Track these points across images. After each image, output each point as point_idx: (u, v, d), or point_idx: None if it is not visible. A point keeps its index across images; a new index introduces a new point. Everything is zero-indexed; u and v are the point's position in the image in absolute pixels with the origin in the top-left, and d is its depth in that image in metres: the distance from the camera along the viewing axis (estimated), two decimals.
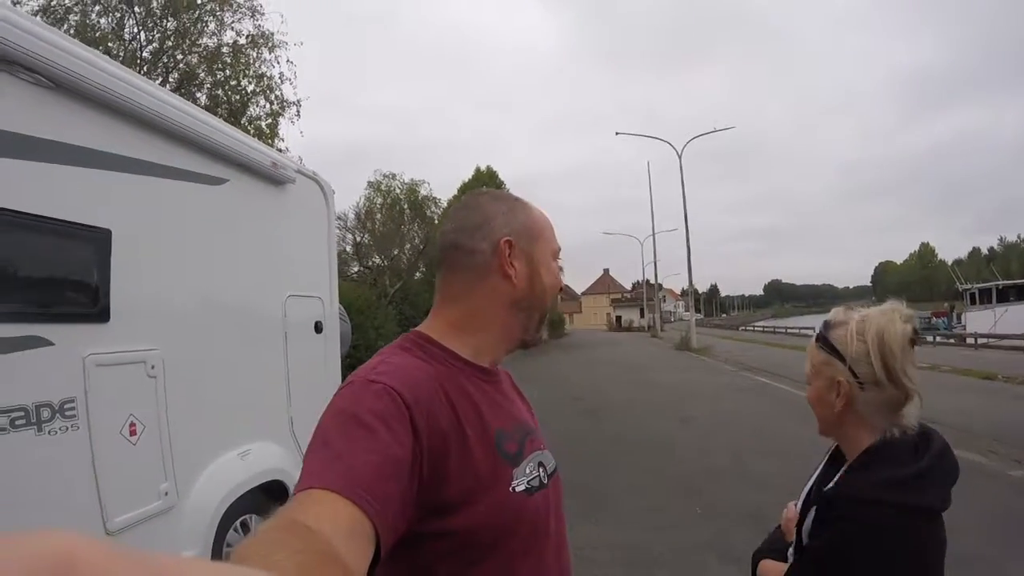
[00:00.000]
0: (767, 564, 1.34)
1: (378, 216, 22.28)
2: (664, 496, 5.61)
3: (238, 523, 3.09)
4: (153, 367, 2.59)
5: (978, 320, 24.25)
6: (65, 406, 2.17)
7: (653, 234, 44.63)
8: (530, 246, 1.01)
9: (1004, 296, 24.99)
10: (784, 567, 1.22)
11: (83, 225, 2.30)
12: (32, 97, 2.10)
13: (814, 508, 1.14)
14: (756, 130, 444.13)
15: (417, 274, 21.87)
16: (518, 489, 0.90)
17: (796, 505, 1.32)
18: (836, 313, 1.23)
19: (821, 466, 1.34)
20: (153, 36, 11.26)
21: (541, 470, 0.97)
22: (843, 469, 1.18)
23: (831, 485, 1.16)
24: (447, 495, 0.82)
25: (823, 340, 1.20)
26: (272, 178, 3.53)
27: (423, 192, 23.00)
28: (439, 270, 1.03)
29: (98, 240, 2.36)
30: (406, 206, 22.56)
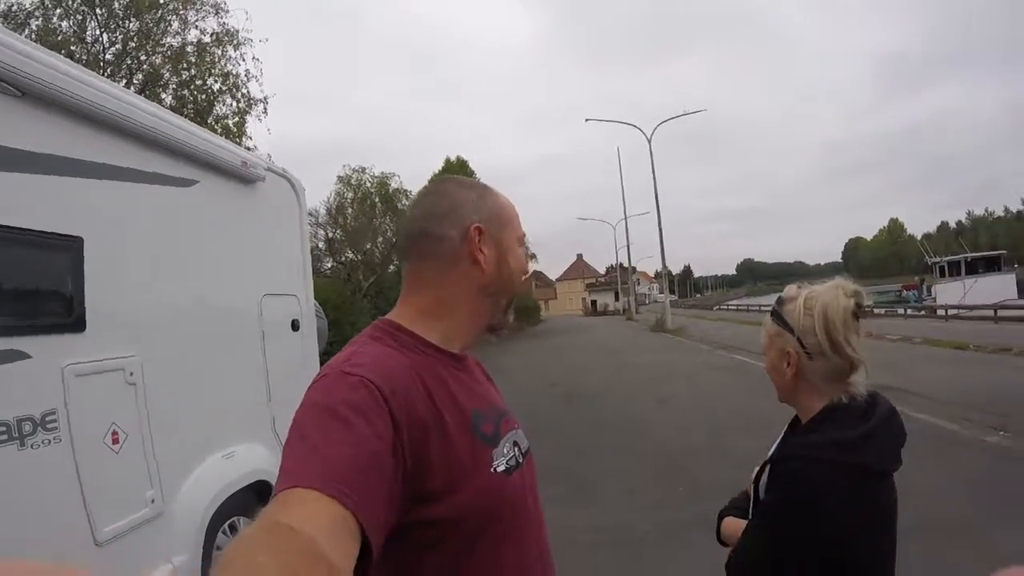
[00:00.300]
0: (729, 521, 1.42)
1: (349, 211, 22.05)
2: (645, 476, 5.69)
3: (227, 525, 3.09)
4: (132, 374, 2.56)
5: (948, 292, 24.87)
6: (47, 419, 2.14)
7: (625, 218, 45.05)
8: (499, 232, 1.02)
9: (973, 268, 25.70)
10: (744, 523, 1.31)
11: (55, 234, 2.26)
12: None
13: (768, 467, 1.22)
14: (731, 115, 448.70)
15: (391, 267, 21.72)
16: (498, 470, 0.92)
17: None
18: (789, 290, 1.32)
19: (783, 433, 1.41)
20: (116, 38, 10.98)
21: (516, 449, 0.99)
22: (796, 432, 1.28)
23: (782, 445, 1.27)
24: (431, 484, 0.82)
25: (776, 314, 1.29)
26: (242, 177, 3.50)
27: (394, 185, 22.81)
28: (407, 257, 1.02)
29: (71, 249, 2.32)
30: (377, 199, 22.34)
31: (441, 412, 0.87)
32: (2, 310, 2.10)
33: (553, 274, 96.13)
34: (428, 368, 0.91)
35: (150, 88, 10.87)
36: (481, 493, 0.87)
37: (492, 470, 0.91)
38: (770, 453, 1.35)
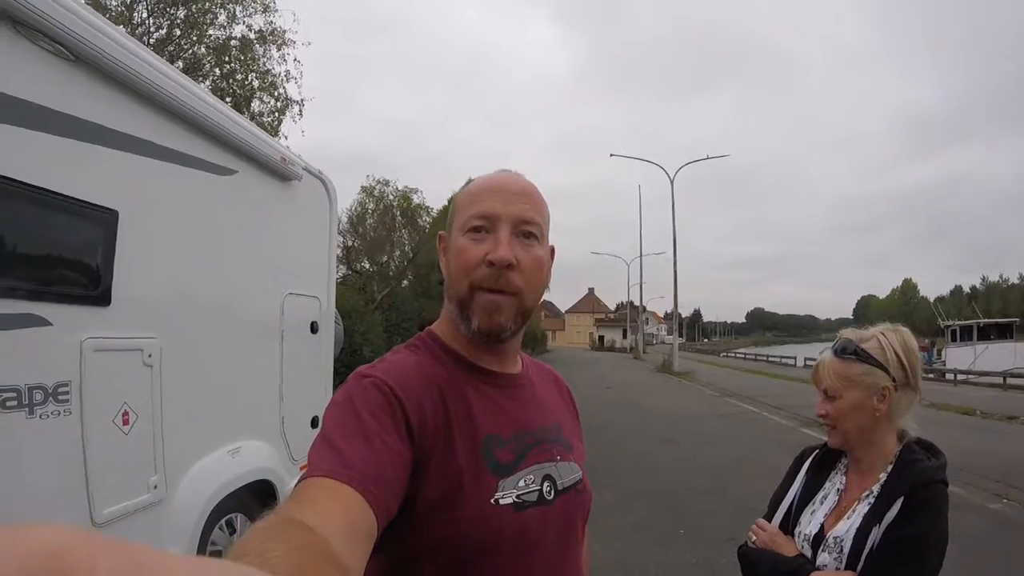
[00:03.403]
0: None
1: (369, 221, 22.21)
2: (648, 515, 5.62)
3: (223, 522, 3.01)
4: (150, 356, 2.51)
5: (958, 356, 24.56)
6: (59, 390, 2.09)
7: (640, 256, 44.94)
8: (450, 232, 0.96)
9: (985, 334, 25.41)
10: (844, 573, 1.26)
11: (91, 204, 2.23)
12: (50, 67, 2.04)
13: (901, 499, 1.23)
14: (752, 161, 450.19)
15: (404, 282, 21.77)
16: (503, 502, 0.85)
17: (768, 521, 1.46)
18: (851, 334, 1.38)
19: (801, 477, 1.47)
20: (162, 23, 11.19)
21: (546, 484, 0.91)
22: (892, 463, 1.31)
23: (904, 474, 1.28)
24: (426, 494, 0.81)
25: (860, 353, 1.32)
26: (280, 173, 3.49)
27: (416, 200, 22.96)
28: None
29: (105, 221, 2.30)
30: (398, 213, 22.50)
31: (451, 424, 0.86)
32: (27, 274, 2.06)
33: (563, 305, 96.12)
34: (451, 380, 0.90)
35: (190, 76, 10.98)
36: (470, 521, 0.82)
37: (492, 501, 0.85)
38: (791, 497, 1.44)
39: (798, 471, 1.51)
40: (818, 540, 1.32)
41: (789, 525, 1.43)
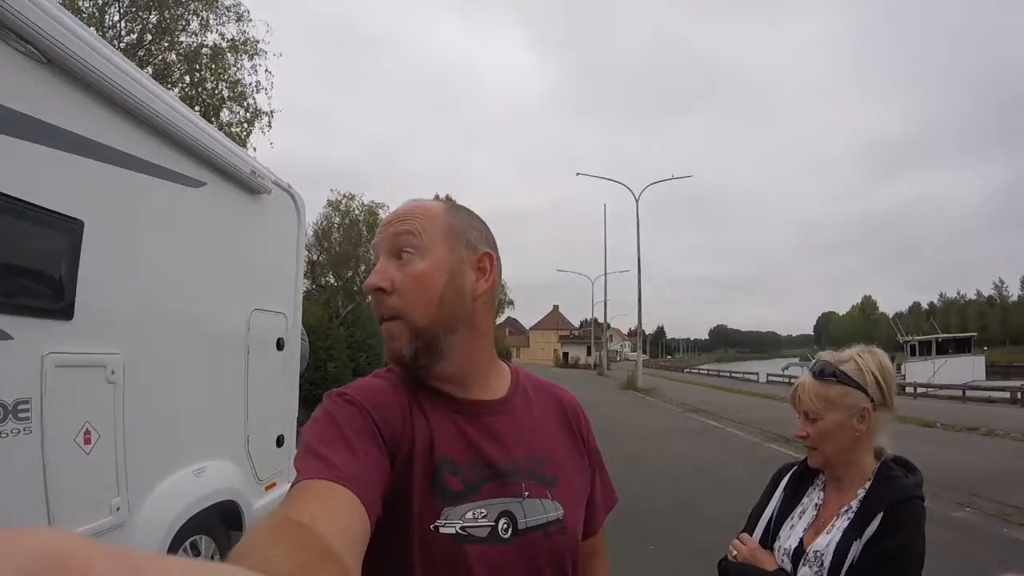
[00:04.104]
0: None
1: (335, 235, 21.93)
2: (615, 531, 5.60)
3: (188, 544, 2.91)
4: (113, 372, 2.43)
5: (917, 371, 25.25)
6: (19, 407, 2.00)
7: (605, 274, 45.32)
8: None
9: (943, 349, 26.23)
10: None
11: (56, 213, 2.15)
12: (19, 68, 1.98)
13: (880, 515, 1.26)
14: (717, 182, 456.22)
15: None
16: (443, 530, 0.82)
17: (746, 536, 1.48)
18: (828, 355, 1.42)
19: (780, 493, 1.50)
20: (134, 28, 10.93)
21: (503, 520, 0.85)
22: (870, 480, 1.34)
23: (881, 491, 1.31)
24: (383, 508, 0.79)
25: (839, 375, 1.35)
26: (249, 186, 3.44)
27: (382, 215, 22.79)
28: None
29: (70, 231, 2.22)
30: (364, 228, 22.27)
31: (414, 446, 0.85)
32: None
33: (528, 322, 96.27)
34: (417, 404, 0.89)
35: (159, 82, 10.75)
36: (412, 546, 0.81)
37: (432, 527, 0.82)
38: (769, 513, 1.48)
39: (776, 487, 1.53)
40: (798, 554, 1.35)
41: (768, 539, 1.45)
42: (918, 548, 1.25)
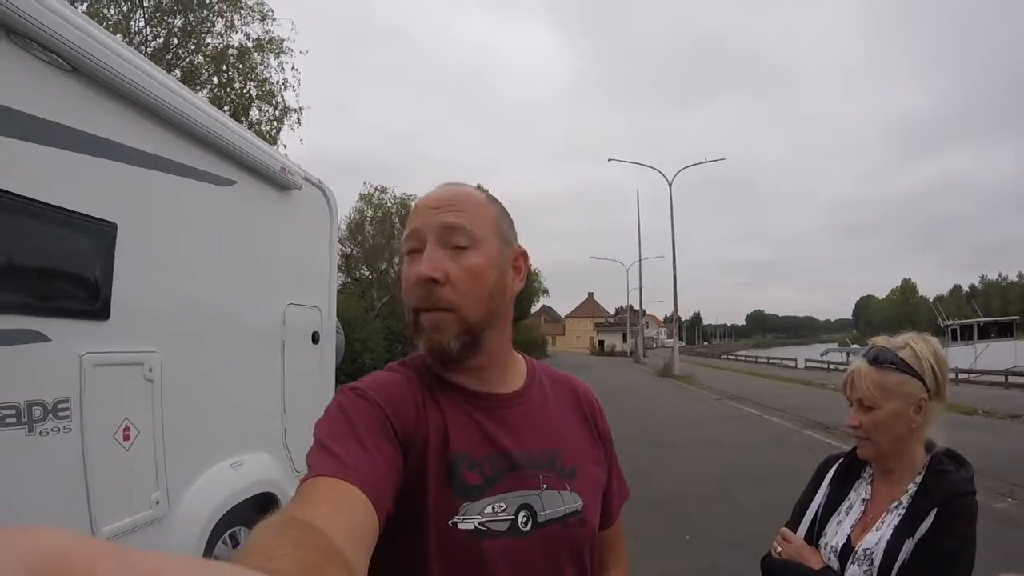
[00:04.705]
0: None
1: (368, 229, 22.22)
2: (650, 522, 5.58)
3: (227, 535, 2.97)
4: (151, 370, 2.48)
5: (959, 356, 24.50)
6: (59, 406, 2.06)
7: (639, 260, 44.94)
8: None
9: (985, 333, 25.47)
10: None
11: (90, 217, 2.20)
12: (46, 78, 2.02)
13: (934, 511, 1.22)
14: (751, 165, 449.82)
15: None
16: (461, 526, 0.81)
17: (790, 532, 1.43)
18: (884, 341, 1.35)
19: (825, 487, 1.44)
20: (160, 32, 11.17)
21: (523, 514, 0.85)
22: (921, 474, 1.30)
23: (934, 486, 1.26)
24: (396, 505, 0.78)
25: (897, 362, 1.28)
26: (280, 183, 3.47)
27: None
28: None
29: (104, 233, 2.27)
30: (396, 220, 22.49)
31: (428, 441, 0.84)
32: (24, 288, 2.03)
33: (563, 310, 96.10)
34: (432, 398, 0.88)
35: (188, 85, 10.94)
36: (429, 542, 0.80)
37: (450, 523, 0.81)
38: (816, 508, 1.41)
39: (821, 480, 1.47)
40: (846, 551, 1.29)
41: (814, 535, 1.40)
42: (971, 546, 1.20)
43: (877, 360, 1.29)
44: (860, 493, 1.38)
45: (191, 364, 2.76)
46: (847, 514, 1.37)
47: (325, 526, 0.57)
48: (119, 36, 10.09)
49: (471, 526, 0.81)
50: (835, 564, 1.30)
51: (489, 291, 0.87)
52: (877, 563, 1.22)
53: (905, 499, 1.28)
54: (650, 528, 5.38)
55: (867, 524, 1.31)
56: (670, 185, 29.78)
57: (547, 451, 0.92)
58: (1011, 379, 18.39)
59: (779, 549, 1.41)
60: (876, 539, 1.25)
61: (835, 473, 1.45)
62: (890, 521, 1.27)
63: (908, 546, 1.20)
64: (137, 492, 2.41)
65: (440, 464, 0.83)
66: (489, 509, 0.83)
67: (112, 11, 10.73)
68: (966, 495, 1.23)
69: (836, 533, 1.35)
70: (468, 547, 0.81)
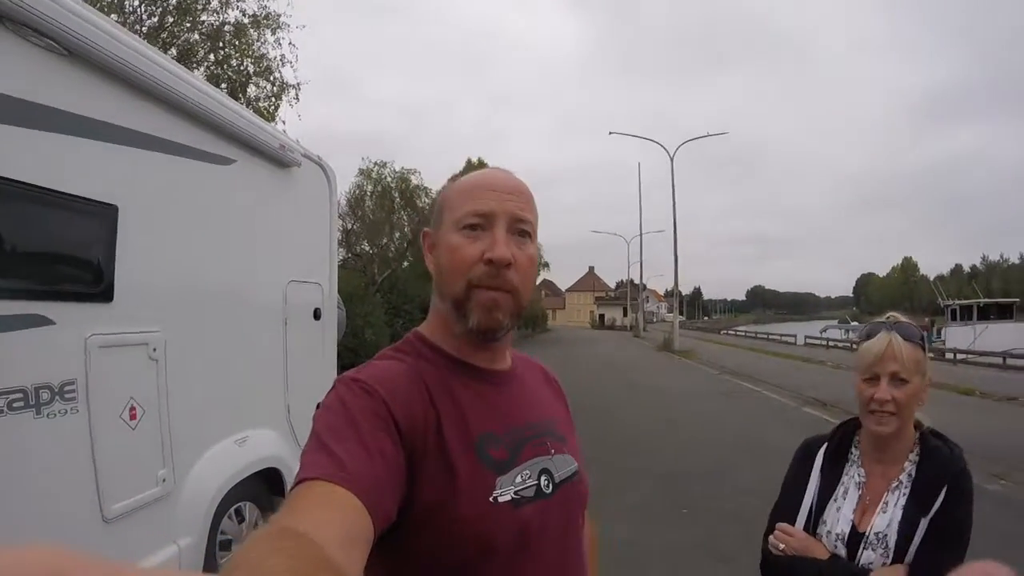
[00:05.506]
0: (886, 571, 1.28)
1: (368, 204, 22.07)
2: (650, 494, 5.68)
3: (232, 511, 3.04)
4: (155, 350, 2.51)
5: (958, 336, 24.55)
6: (65, 388, 2.09)
7: (640, 234, 44.79)
8: (438, 228, 0.95)
9: (985, 314, 25.43)
10: (895, 567, 1.24)
11: (90, 200, 2.21)
12: (42, 63, 2.00)
13: (945, 488, 1.25)
14: (755, 140, 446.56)
15: (405, 263, 21.71)
16: (501, 499, 0.85)
17: (789, 527, 1.38)
18: (903, 317, 1.37)
19: (817, 473, 1.40)
20: (154, 11, 11.00)
21: (543, 478, 0.91)
22: (916, 453, 1.33)
23: (934, 463, 1.29)
24: (423, 497, 0.80)
25: (923, 340, 1.32)
26: (279, 161, 3.46)
27: (414, 181, 22.78)
28: None
29: (105, 216, 2.27)
30: (396, 195, 22.36)
31: (443, 425, 0.86)
32: (28, 273, 2.05)
33: (563, 284, 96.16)
34: (440, 380, 0.90)
35: (183, 63, 10.86)
36: (469, 522, 0.82)
37: (491, 499, 0.84)
38: (813, 492, 1.39)
39: (809, 466, 1.43)
40: (854, 538, 1.28)
41: (811, 526, 1.36)
42: (970, 517, 1.26)
43: (909, 335, 1.30)
44: (852, 476, 1.36)
45: (195, 343, 2.78)
46: (844, 499, 1.34)
47: (318, 534, 0.57)
48: (113, 16, 9.98)
49: (508, 497, 0.86)
50: (842, 552, 1.28)
51: (534, 279, 0.97)
52: (892, 545, 1.23)
53: (904, 478, 1.29)
54: (647, 501, 5.47)
55: (868, 507, 1.30)
56: (671, 159, 29.58)
57: (546, 420, 1.01)
58: (1009, 361, 18.42)
59: (781, 546, 1.35)
60: (886, 521, 1.25)
61: (824, 458, 1.42)
62: (895, 501, 1.27)
63: (923, 525, 1.22)
64: (144, 470, 2.45)
65: (466, 447, 0.86)
66: (519, 479, 0.88)
67: None
68: (965, 470, 1.28)
69: (838, 520, 1.32)
70: (510, 518, 0.85)
